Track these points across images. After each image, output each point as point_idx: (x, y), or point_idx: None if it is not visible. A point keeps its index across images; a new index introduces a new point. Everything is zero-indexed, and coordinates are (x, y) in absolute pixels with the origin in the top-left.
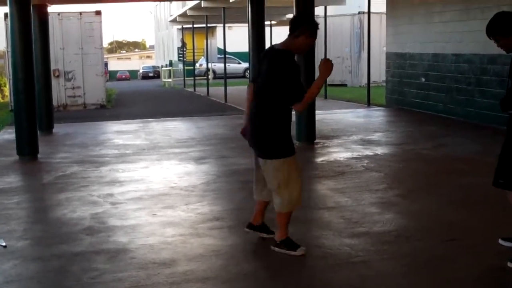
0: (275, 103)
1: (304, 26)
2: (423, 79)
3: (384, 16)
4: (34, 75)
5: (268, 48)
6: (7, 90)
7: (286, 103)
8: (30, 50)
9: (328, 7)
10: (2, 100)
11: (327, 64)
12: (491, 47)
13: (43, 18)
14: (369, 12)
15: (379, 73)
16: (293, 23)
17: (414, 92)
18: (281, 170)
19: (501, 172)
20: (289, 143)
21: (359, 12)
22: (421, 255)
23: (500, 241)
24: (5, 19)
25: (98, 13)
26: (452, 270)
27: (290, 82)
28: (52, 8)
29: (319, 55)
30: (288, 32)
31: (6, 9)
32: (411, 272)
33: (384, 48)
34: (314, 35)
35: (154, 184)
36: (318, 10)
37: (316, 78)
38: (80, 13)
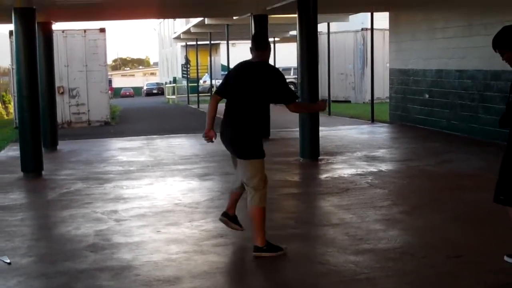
0: (258, 109)
1: (267, 41)
2: (427, 95)
3: (387, 33)
4: (38, 92)
5: (243, 63)
6: (11, 107)
7: (282, 102)
8: (34, 67)
9: (331, 23)
10: (7, 117)
11: (323, 105)
12: (494, 63)
13: (48, 36)
14: (372, 29)
15: (382, 89)
16: (260, 40)
17: (417, 109)
18: (260, 168)
19: (501, 188)
20: (262, 145)
21: (362, 29)
22: (426, 272)
23: (506, 258)
24: (10, 37)
25: (102, 30)
26: (457, 287)
27: (285, 85)
28: (56, 26)
29: (322, 72)
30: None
31: (11, 26)
32: None
33: (388, 65)
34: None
35: (158, 201)
36: (321, 27)
37: (312, 103)
38: (85, 30)
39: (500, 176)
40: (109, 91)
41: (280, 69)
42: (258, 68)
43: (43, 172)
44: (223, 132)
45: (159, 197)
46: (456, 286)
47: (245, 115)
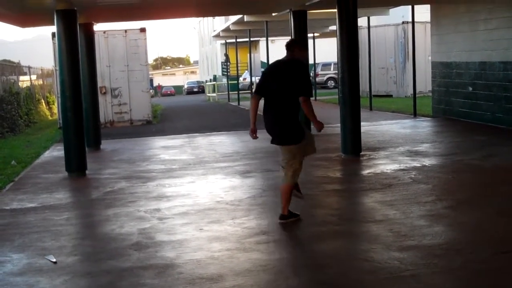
0: (296, 100)
1: (294, 43)
2: (470, 88)
3: (428, 26)
4: (81, 93)
5: (275, 62)
6: (55, 108)
7: (298, 93)
8: (77, 68)
9: (371, 17)
10: (51, 118)
11: (320, 127)
12: None
13: (90, 37)
14: (413, 22)
15: (424, 83)
16: (288, 44)
17: (461, 102)
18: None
19: None
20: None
21: (403, 22)
22: (472, 268)
23: None
24: (52, 38)
25: (142, 30)
26: (505, 284)
27: (308, 80)
28: (97, 27)
29: (363, 66)
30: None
31: (53, 28)
32: (463, 286)
33: (429, 58)
34: (303, 50)
35: (201, 198)
36: (361, 21)
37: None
38: (125, 30)
39: None
40: (158, 89)
41: (320, 64)
42: (288, 64)
43: (87, 172)
44: (267, 124)
45: (201, 195)
46: (504, 282)
47: (284, 107)
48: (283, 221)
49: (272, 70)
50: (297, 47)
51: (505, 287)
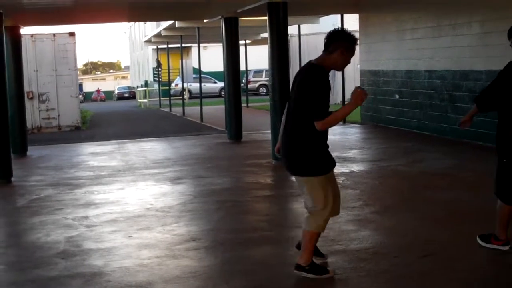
0: (306, 119)
1: (339, 41)
2: (397, 96)
3: (357, 34)
4: (6, 98)
5: (304, 65)
6: None
7: (308, 117)
8: (2, 72)
9: (302, 26)
10: None
11: (359, 93)
12: (463, 63)
13: (16, 40)
14: None
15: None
16: (327, 39)
17: (388, 109)
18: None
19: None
20: (322, 161)
21: None
22: (399, 271)
23: (479, 241)
24: None
25: (71, 34)
26: (430, 286)
27: (315, 97)
28: (25, 30)
29: (293, 74)
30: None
31: None
32: None
33: (358, 66)
34: (350, 51)
35: (130, 205)
36: (292, 29)
37: (344, 106)
38: (54, 34)
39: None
40: (97, 92)
41: (252, 72)
42: (304, 72)
43: (12, 179)
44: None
45: (130, 202)
46: (427, 284)
47: (297, 124)
48: (298, 271)
49: (295, 76)
50: (340, 47)
51: None
